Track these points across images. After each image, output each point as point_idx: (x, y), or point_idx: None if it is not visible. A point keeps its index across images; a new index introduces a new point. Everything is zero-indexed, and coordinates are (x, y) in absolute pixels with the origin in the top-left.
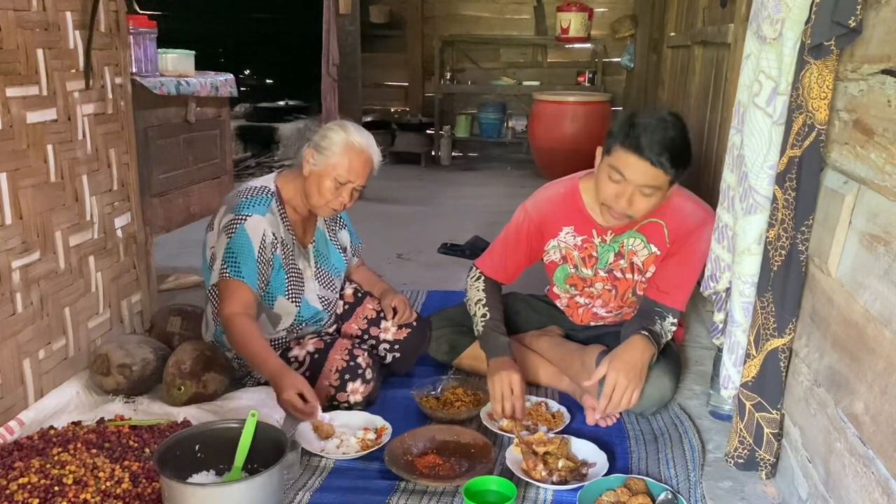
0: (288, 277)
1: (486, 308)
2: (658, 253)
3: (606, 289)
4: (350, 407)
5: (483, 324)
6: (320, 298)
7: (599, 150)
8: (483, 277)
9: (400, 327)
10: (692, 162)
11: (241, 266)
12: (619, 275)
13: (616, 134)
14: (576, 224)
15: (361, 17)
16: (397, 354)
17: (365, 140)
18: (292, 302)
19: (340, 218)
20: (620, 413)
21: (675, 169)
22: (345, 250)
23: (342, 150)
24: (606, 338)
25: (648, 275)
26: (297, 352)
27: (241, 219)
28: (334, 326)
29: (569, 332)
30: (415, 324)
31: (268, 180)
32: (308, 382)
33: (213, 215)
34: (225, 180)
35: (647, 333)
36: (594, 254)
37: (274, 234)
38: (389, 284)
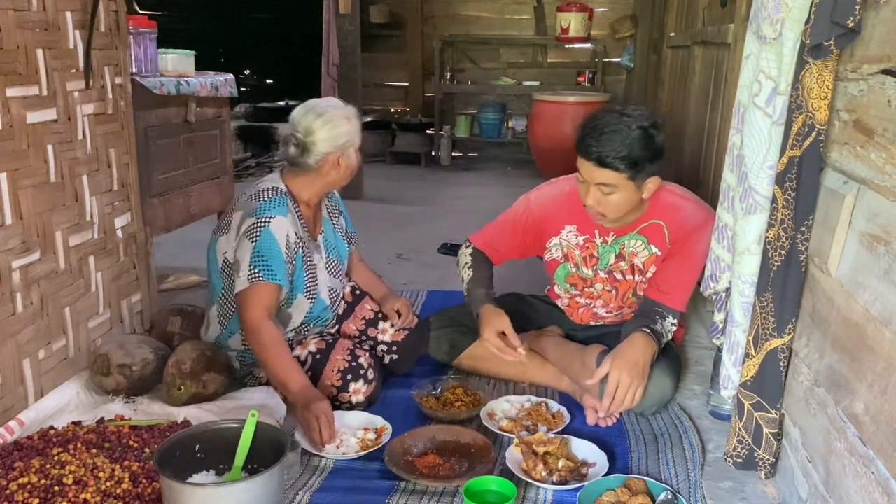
0: (307, 275)
1: (472, 269)
2: (659, 253)
3: (606, 290)
4: (351, 407)
5: (468, 281)
6: (329, 290)
7: None
8: (473, 248)
9: (398, 329)
10: (659, 156)
11: (274, 268)
12: (619, 276)
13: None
14: (578, 223)
15: (361, 17)
16: (395, 356)
17: (345, 110)
18: (308, 299)
19: (337, 204)
20: (620, 413)
21: (627, 168)
22: (346, 234)
23: (357, 128)
24: (607, 338)
25: (649, 275)
26: (298, 352)
27: (265, 221)
28: (336, 327)
29: (569, 332)
30: (413, 325)
31: (275, 181)
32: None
33: (222, 219)
34: (225, 180)
35: (648, 331)
36: (595, 254)
37: (296, 234)
38: (389, 286)
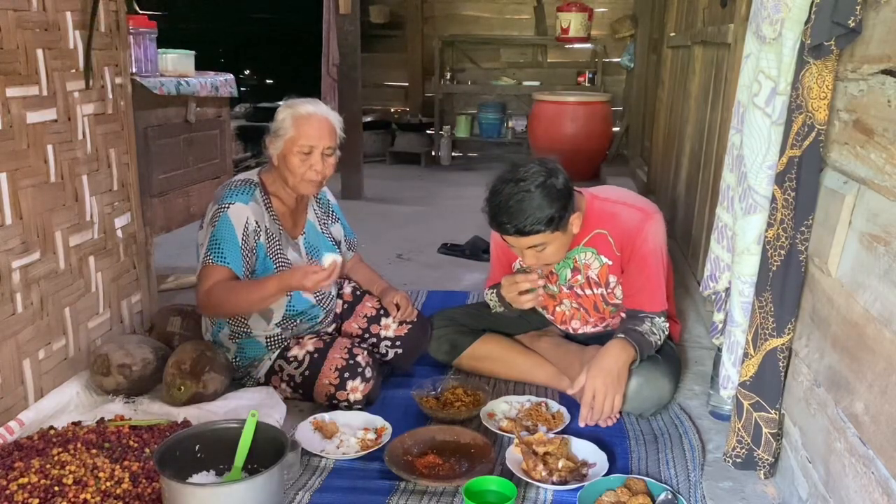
0: (276, 268)
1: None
2: (611, 263)
3: (575, 307)
4: (350, 406)
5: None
6: (314, 291)
7: None
8: (488, 289)
9: (401, 324)
10: (568, 197)
11: (226, 252)
12: (580, 292)
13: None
14: None
15: (361, 17)
16: (399, 350)
17: (312, 107)
18: None
19: (333, 212)
20: (620, 413)
21: (547, 226)
22: (338, 244)
23: (291, 123)
24: (606, 339)
25: (612, 286)
26: (296, 351)
27: (224, 207)
28: (333, 326)
29: (568, 333)
30: (416, 320)
31: (251, 173)
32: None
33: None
34: (225, 180)
35: (623, 336)
36: (553, 270)
37: (257, 222)
38: (388, 282)
